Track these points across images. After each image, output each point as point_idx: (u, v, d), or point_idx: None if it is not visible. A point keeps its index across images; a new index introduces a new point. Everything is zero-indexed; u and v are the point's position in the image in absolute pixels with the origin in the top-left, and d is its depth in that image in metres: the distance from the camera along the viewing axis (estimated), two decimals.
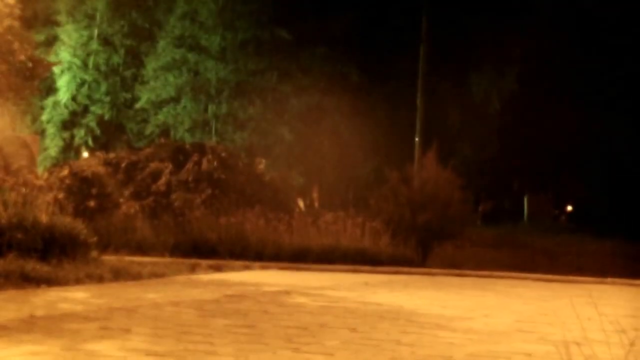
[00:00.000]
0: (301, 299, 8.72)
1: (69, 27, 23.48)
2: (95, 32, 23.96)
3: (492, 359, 5.33)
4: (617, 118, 23.59)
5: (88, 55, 23.92)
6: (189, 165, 18.53)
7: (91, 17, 24.09)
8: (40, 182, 15.45)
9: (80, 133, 22.61)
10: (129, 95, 24.34)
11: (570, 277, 12.32)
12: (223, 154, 19.65)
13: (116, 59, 24.38)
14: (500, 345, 5.79)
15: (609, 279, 12.13)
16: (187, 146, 20.00)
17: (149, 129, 23.47)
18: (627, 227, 17.77)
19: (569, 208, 23.16)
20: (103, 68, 24.12)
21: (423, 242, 16.00)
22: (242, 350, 5.35)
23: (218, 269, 11.99)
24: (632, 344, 5.37)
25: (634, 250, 15.64)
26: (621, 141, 23.71)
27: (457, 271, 13.19)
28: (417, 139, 24.39)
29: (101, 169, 18.00)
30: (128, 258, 12.21)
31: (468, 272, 13.13)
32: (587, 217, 21.67)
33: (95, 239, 12.04)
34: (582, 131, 23.92)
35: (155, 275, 10.65)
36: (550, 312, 8.11)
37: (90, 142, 22.49)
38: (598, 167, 23.65)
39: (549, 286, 11.28)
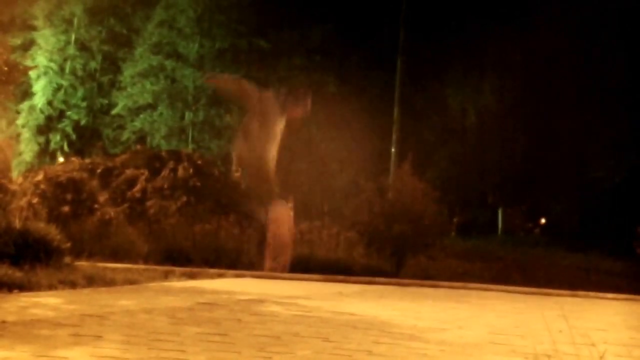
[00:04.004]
0: (275, 308, 8.71)
1: (47, 32, 23.43)
2: (73, 37, 23.94)
3: None
4: (591, 133, 23.73)
5: (65, 60, 23.89)
6: (165, 172, 18.53)
7: (69, 22, 24.06)
8: (14, 187, 15.40)
9: (55, 138, 22.58)
10: (105, 101, 24.35)
11: (543, 290, 12.35)
12: (199, 162, 19.67)
13: (93, 65, 24.38)
14: (472, 357, 5.79)
15: (581, 292, 12.16)
16: (163, 153, 20.00)
17: (125, 136, 23.46)
18: (600, 241, 17.80)
19: (543, 221, 23.23)
20: (80, 73, 24.10)
21: (397, 253, 16.04)
22: (214, 358, 5.34)
23: (192, 276, 11.98)
24: (601, 357, 5.39)
25: (606, 264, 15.70)
26: (594, 156, 23.83)
27: (431, 282, 13.21)
28: (392, 150, 24.43)
29: (76, 175, 17.96)
30: (102, 264, 12.19)
31: (442, 283, 13.15)
32: (560, 230, 21.72)
33: (69, 244, 12.01)
34: (555, 146, 24.02)
35: (129, 282, 10.62)
36: (522, 324, 8.12)
37: (66, 147, 22.46)
38: (571, 182, 23.73)
39: (522, 298, 11.30)
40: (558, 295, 11.84)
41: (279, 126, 10.65)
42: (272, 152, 10.60)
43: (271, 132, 10.61)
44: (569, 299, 11.26)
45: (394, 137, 25.27)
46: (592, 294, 12.12)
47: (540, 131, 24.71)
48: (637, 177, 21.99)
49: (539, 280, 13.24)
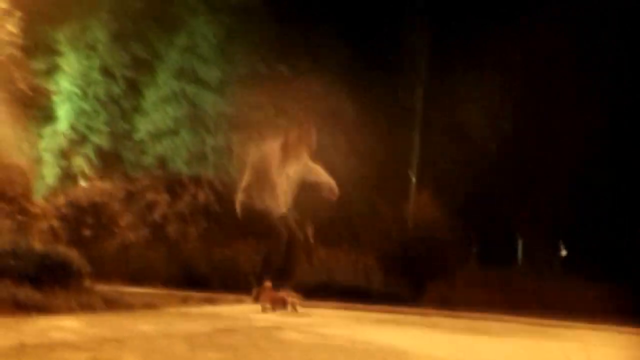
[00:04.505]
0: (292, 335, 8.70)
1: (70, 57, 23.54)
2: (96, 62, 24.03)
3: None
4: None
5: (88, 85, 23.99)
6: (186, 197, 18.57)
7: (92, 48, 24.16)
8: (35, 210, 15.47)
9: (77, 162, 22.63)
10: (127, 126, 24.39)
11: (564, 322, 12.28)
12: (219, 187, 19.71)
13: (116, 90, 24.46)
14: None
15: (601, 325, 12.07)
16: (184, 178, 20.04)
17: (146, 160, 23.50)
18: (620, 272, 17.71)
19: (563, 253, 23.16)
20: (103, 98, 24.18)
21: (416, 281, 15.99)
22: None
23: (211, 301, 11.99)
24: None
25: (627, 295, 15.58)
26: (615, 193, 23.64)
27: (449, 312, 13.16)
28: (412, 178, 24.44)
29: (97, 199, 18.03)
30: (121, 288, 12.23)
31: (461, 313, 13.09)
32: (580, 261, 21.62)
33: (89, 268, 12.03)
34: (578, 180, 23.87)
35: (148, 306, 10.64)
36: (540, 357, 8.08)
37: (87, 171, 22.51)
38: (595, 216, 23.58)
39: (541, 330, 11.24)
40: (578, 327, 11.76)
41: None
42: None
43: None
44: (590, 332, 11.19)
45: (413, 164, 25.24)
46: (614, 327, 12.01)
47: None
48: None
49: (559, 311, 13.14)
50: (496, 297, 14.36)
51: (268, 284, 10.48)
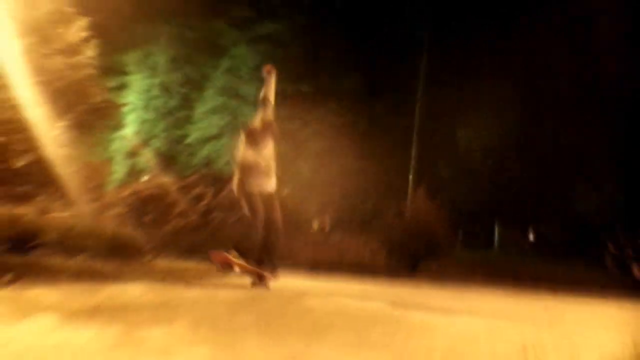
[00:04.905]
0: (313, 301, 8.73)
1: (136, 76, 23.70)
2: (156, 81, 24.15)
3: (466, 355, 5.33)
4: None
5: (149, 99, 24.12)
6: (226, 191, 18.63)
7: (153, 69, 24.29)
8: (108, 199, 15.56)
9: (141, 161, 22.72)
10: (181, 133, 24.50)
11: (531, 291, 12.27)
12: None
13: (172, 103, 24.57)
14: (471, 345, 5.79)
15: (561, 295, 12.08)
16: (225, 175, 20.13)
17: (195, 161, 23.56)
18: (581, 253, 17.66)
19: (531, 238, 23.14)
20: (161, 110, 24.31)
21: (412, 262, 16.01)
22: (262, 342, 5.37)
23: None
24: (578, 350, 5.36)
25: (585, 273, 15.53)
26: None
27: (441, 284, 13.18)
28: (410, 177, 24.41)
29: (156, 191, 18.11)
30: (174, 263, 12.26)
31: (449, 285, 13.11)
32: (544, 245, 21.61)
33: (149, 246, 12.12)
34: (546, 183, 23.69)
35: (196, 277, 10.69)
36: (514, 319, 8.11)
37: (148, 169, 22.57)
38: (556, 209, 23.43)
39: (515, 299, 11.25)
40: (544, 296, 11.76)
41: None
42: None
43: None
44: (553, 299, 11.19)
45: (411, 167, 25.20)
46: (571, 296, 12.03)
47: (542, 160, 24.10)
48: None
49: (527, 283, 13.14)
50: (477, 273, 14.35)
51: (232, 252, 9.56)
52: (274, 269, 9.72)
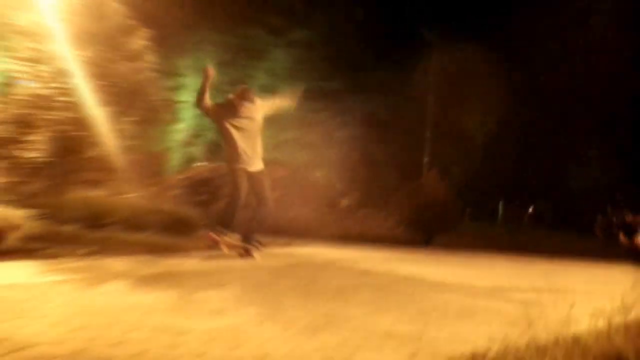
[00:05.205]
0: (343, 266, 8.77)
1: (189, 78, 23.76)
2: (209, 82, 24.26)
3: (476, 310, 5.34)
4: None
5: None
6: (268, 174, 18.71)
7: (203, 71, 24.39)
8: (166, 183, 15.65)
9: (193, 150, 22.78)
10: None
11: (530, 257, 12.20)
12: (291, 167, 19.91)
13: (220, 99, 24.64)
14: (478, 300, 5.80)
15: (557, 260, 12.00)
16: (266, 161, 20.25)
17: None
18: (573, 225, 17.53)
19: (530, 210, 22.99)
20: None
21: (426, 234, 15.98)
22: (300, 301, 5.41)
23: (287, 244, 12.05)
24: (573, 304, 5.36)
25: (578, 242, 15.37)
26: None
27: (451, 251, 13.13)
28: (424, 160, 24.37)
29: (207, 175, 18.18)
30: (230, 235, 12.33)
31: (458, 252, 13.06)
32: (543, 219, 21.47)
33: (202, 221, 12.18)
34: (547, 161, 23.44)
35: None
36: (515, 280, 8.10)
37: (200, 157, 22.62)
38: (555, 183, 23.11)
39: (515, 263, 11.21)
40: (541, 262, 11.70)
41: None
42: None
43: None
44: (549, 265, 11.14)
45: (425, 151, 25.13)
46: (565, 261, 11.95)
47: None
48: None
49: (527, 252, 13.06)
50: (482, 242, 14.30)
51: (219, 229, 8.73)
52: (259, 242, 8.94)
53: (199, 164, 21.14)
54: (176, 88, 22.11)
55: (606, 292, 7.15)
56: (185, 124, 21.64)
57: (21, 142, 12.51)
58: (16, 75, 13.36)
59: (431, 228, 16.37)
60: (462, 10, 24.16)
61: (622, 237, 15.78)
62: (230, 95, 9.17)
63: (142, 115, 13.91)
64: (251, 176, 8.71)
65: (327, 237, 14.17)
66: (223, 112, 8.87)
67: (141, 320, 4.21)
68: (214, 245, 8.56)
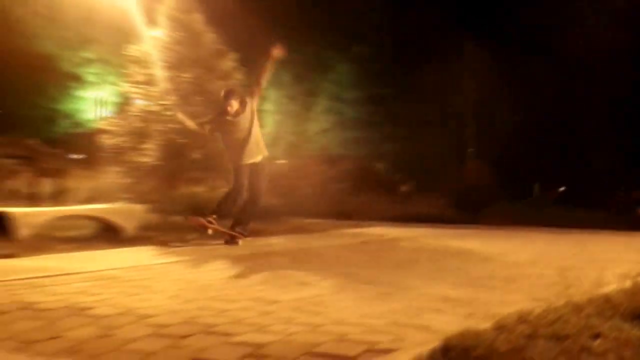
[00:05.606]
0: (403, 243, 8.70)
1: (270, 90, 23.85)
2: (284, 92, 24.37)
3: (520, 275, 5.22)
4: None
5: (280, 105, 24.35)
6: (337, 167, 18.70)
7: (281, 84, 24.45)
8: None
9: (275, 150, 22.87)
10: (303, 128, 24.73)
11: (563, 230, 11.86)
12: (355, 161, 19.93)
13: (296, 107, 24.78)
14: (522, 269, 5.68)
15: (590, 231, 11.62)
16: (335, 156, 20.26)
17: (313, 147, 23.72)
18: (597, 202, 16.94)
19: (560, 190, 22.40)
20: (289, 113, 24.52)
21: (474, 210, 15.75)
22: (370, 272, 5.38)
23: (355, 226, 12.02)
24: (602, 269, 5.21)
25: (601, 217, 14.83)
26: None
27: (494, 227, 12.86)
28: (469, 150, 23.99)
29: (286, 171, 18.32)
30: (306, 220, 12.34)
31: (503, 227, 12.76)
32: (572, 197, 20.82)
33: (285, 209, 12.25)
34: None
35: (321, 230, 10.74)
36: (554, 250, 7.91)
37: (282, 155, 22.75)
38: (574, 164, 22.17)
39: (553, 235, 10.93)
40: (573, 233, 11.38)
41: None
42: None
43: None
44: (580, 236, 10.83)
45: (470, 141, 24.68)
46: (592, 233, 11.56)
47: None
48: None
49: (558, 225, 12.67)
50: (520, 219, 13.97)
51: (210, 217, 7.71)
52: (245, 230, 7.99)
53: (279, 161, 21.33)
54: (261, 99, 22.38)
55: (630, 257, 6.94)
56: (268, 128, 21.83)
57: (137, 149, 12.78)
58: (132, 95, 13.67)
59: (475, 208, 16.14)
60: (490, 13, 23.48)
61: (638, 211, 15.47)
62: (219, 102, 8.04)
63: None
64: (253, 166, 7.83)
65: (388, 219, 14.09)
66: (218, 122, 7.84)
67: (239, 293, 4.23)
68: (201, 229, 7.77)
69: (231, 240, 7.68)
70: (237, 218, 7.88)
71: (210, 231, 7.63)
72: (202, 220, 7.60)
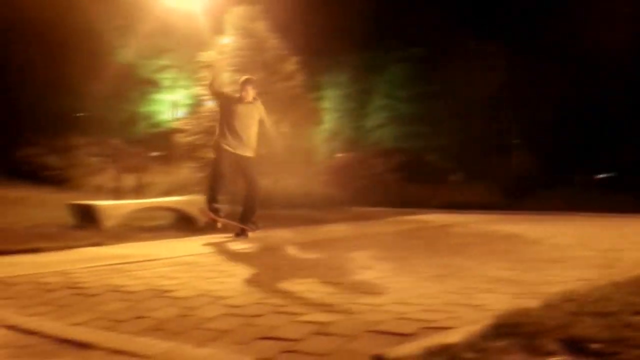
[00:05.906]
0: (456, 229, 8.58)
1: (329, 91, 23.97)
2: (341, 92, 24.43)
3: (565, 256, 5.07)
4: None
5: (338, 104, 24.39)
6: (392, 160, 18.59)
7: (339, 85, 24.53)
8: (317, 170, 15.80)
9: (335, 144, 22.94)
10: (359, 124, 24.67)
11: (601, 215, 11.44)
12: (408, 154, 19.79)
13: (352, 105, 24.77)
14: (566, 251, 5.51)
15: (629, 215, 11.19)
16: (390, 150, 20.12)
17: (370, 141, 23.64)
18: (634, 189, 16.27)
19: (600, 177, 21.65)
20: (346, 110, 24.55)
21: (520, 197, 15.44)
22: (426, 255, 5.31)
23: (410, 213, 11.92)
24: None
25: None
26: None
27: (540, 213, 12.54)
28: (514, 141, 23.50)
29: (345, 163, 18.28)
30: (364, 208, 12.32)
31: (546, 213, 12.45)
32: (610, 184, 20.10)
33: (346, 199, 12.24)
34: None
35: (379, 217, 10.70)
36: (597, 233, 7.66)
37: (341, 149, 22.72)
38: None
39: (595, 220, 10.58)
40: (612, 218, 10.99)
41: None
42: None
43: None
44: (619, 220, 10.46)
45: (516, 133, 24.15)
46: (632, 216, 11.10)
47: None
48: None
49: (597, 210, 12.21)
50: (564, 205, 13.59)
51: (216, 206, 7.14)
52: (255, 224, 7.37)
53: (339, 155, 21.30)
54: (320, 99, 22.34)
55: None
56: (327, 125, 21.82)
57: (209, 146, 12.95)
58: (203, 97, 13.87)
59: (520, 194, 15.81)
60: (525, 14, 22.88)
61: None
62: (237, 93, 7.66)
63: (296, 120, 14.11)
64: (240, 159, 7.15)
65: (440, 207, 13.93)
66: (227, 97, 7.39)
67: (306, 275, 4.22)
68: (211, 222, 7.30)
69: (241, 233, 7.17)
70: (243, 216, 7.28)
71: (219, 224, 7.22)
72: (211, 214, 7.10)
